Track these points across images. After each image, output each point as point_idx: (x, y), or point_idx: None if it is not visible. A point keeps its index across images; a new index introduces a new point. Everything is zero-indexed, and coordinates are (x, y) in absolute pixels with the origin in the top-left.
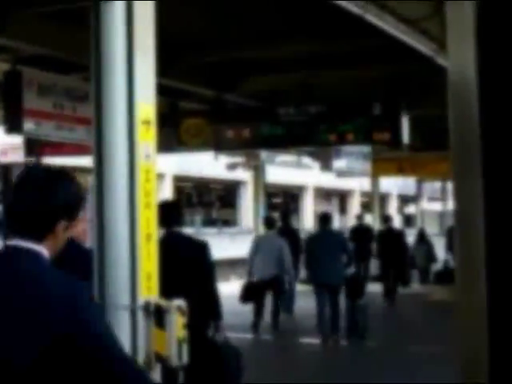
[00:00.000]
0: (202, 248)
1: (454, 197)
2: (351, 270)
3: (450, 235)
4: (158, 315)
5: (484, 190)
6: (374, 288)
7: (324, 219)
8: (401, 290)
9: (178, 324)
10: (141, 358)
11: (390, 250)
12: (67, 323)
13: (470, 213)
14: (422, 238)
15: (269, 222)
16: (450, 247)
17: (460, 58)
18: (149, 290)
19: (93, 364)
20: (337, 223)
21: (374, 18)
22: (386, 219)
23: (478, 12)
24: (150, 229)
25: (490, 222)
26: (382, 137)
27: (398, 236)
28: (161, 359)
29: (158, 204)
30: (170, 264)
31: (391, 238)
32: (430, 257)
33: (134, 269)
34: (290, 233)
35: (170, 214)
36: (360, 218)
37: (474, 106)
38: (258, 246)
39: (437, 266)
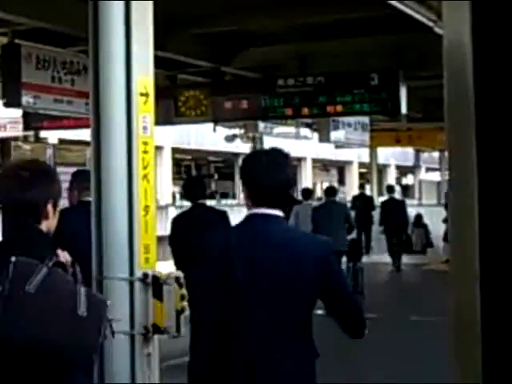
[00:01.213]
0: (223, 216)
1: (448, 167)
2: (352, 235)
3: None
4: (155, 287)
5: (478, 159)
6: (378, 258)
7: (330, 191)
8: (403, 258)
9: (176, 295)
10: (138, 330)
11: (393, 218)
12: (319, 264)
13: (464, 183)
14: (419, 222)
15: (305, 193)
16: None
17: (455, 25)
18: (147, 262)
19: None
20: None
21: None
22: (390, 189)
23: None
24: (147, 201)
25: (484, 191)
26: (381, 107)
27: (401, 204)
28: (159, 330)
29: (184, 180)
30: (195, 231)
31: (394, 206)
32: (427, 241)
33: (132, 241)
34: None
35: (194, 188)
36: (362, 187)
37: (470, 74)
38: (297, 214)
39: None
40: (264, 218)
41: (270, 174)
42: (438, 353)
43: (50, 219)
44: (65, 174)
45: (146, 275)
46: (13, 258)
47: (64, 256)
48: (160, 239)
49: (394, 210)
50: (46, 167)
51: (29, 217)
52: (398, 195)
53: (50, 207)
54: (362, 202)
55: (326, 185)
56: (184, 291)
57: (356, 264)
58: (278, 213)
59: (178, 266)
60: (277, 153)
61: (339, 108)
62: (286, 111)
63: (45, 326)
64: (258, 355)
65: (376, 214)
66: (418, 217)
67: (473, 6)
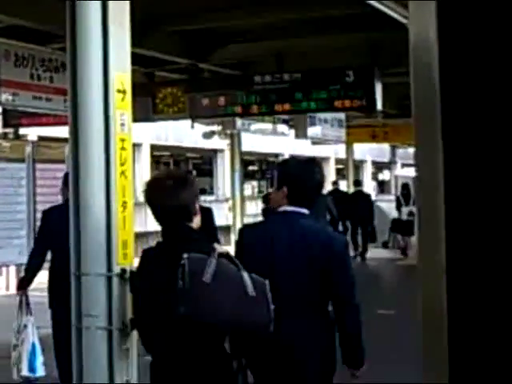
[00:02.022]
0: (208, 212)
1: (415, 162)
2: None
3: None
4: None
5: (444, 155)
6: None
7: None
8: (375, 253)
9: None
10: (116, 325)
11: (361, 209)
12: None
13: (431, 178)
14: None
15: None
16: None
17: (421, 20)
18: (125, 258)
19: (338, 280)
20: None
21: None
22: (357, 183)
23: None
24: (125, 197)
25: (450, 187)
26: (356, 104)
27: (367, 197)
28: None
29: None
30: None
31: (361, 198)
32: (405, 245)
33: (110, 237)
34: None
35: None
36: (335, 183)
37: (435, 69)
38: None
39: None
40: (299, 215)
41: (312, 180)
42: (403, 347)
43: (197, 216)
44: (44, 171)
45: (124, 271)
46: (185, 255)
47: (220, 248)
48: (138, 235)
49: (361, 203)
50: (183, 174)
51: (183, 218)
52: (371, 191)
53: (196, 206)
54: (337, 198)
55: None
56: None
57: None
58: (307, 211)
59: None
60: (313, 162)
61: (315, 104)
62: (263, 108)
63: (224, 309)
64: (283, 322)
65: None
66: (395, 221)
67: (438, 2)
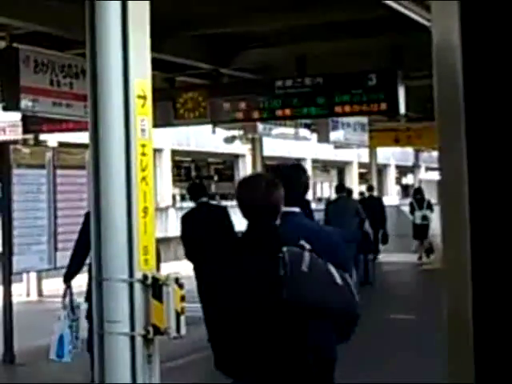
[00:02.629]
0: (223, 210)
1: (439, 166)
2: (365, 228)
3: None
4: (155, 288)
5: (468, 159)
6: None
7: (340, 188)
8: (400, 257)
9: (175, 296)
10: (139, 331)
11: (373, 212)
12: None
13: (456, 182)
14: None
15: (339, 188)
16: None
17: (444, 23)
18: (146, 263)
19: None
20: (334, 195)
21: None
22: (370, 188)
23: None
24: (146, 202)
25: (474, 191)
26: (379, 107)
27: (378, 200)
28: (159, 331)
29: (188, 185)
30: (201, 225)
31: (373, 202)
32: (430, 247)
33: (131, 242)
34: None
35: (197, 190)
36: (362, 194)
37: (459, 72)
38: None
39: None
40: (297, 214)
41: (300, 182)
42: (419, 351)
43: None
44: (64, 177)
45: (145, 276)
46: (284, 248)
47: (307, 245)
48: (159, 241)
49: (373, 207)
50: (271, 177)
51: (271, 217)
52: (395, 195)
53: (281, 207)
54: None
55: (326, 185)
56: (184, 292)
57: (367, 256)
58: (298, 210)
59: (189, 256)
60: (299, 166)
61: (338, 108)
62: (285, 112)
63: (320, 293)
64: None
65: None
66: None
67: (461, 4)
